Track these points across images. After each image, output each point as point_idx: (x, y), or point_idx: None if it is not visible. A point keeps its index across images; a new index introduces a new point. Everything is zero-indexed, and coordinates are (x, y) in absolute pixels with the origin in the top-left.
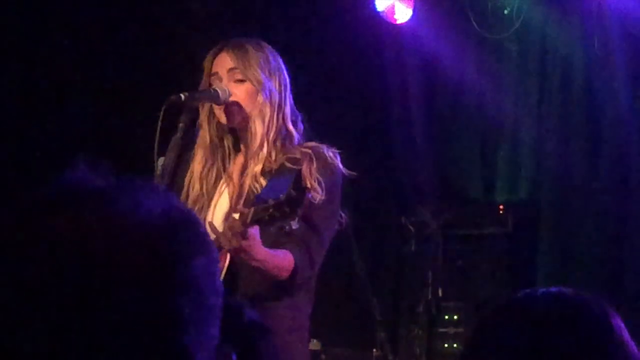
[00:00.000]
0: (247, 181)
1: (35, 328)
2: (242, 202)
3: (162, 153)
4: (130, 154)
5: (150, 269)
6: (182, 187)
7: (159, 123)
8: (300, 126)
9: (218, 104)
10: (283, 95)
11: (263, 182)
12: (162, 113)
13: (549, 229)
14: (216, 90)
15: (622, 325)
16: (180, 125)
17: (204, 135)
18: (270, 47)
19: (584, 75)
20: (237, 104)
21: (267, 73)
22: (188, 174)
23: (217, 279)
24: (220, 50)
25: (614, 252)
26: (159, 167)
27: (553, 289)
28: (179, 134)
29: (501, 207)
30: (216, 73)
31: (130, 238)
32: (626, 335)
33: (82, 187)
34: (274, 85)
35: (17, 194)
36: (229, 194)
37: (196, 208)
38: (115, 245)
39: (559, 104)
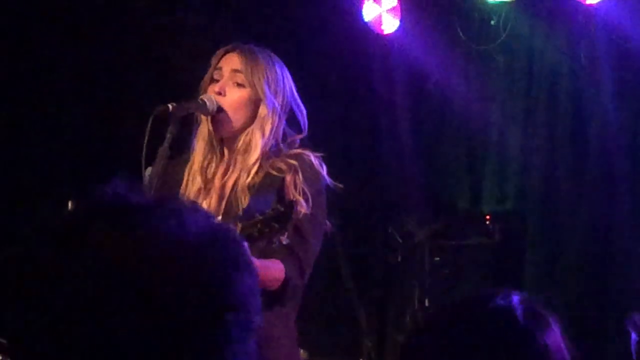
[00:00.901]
0: (228, 191)
1: (77, 342)
2: (221, 210)
3: (150, 163)
4: (118, 163)
5: (201, 289)
6: (178, 184)
7: (147, 133)
8: (297, 142)
9: (205, 115)
10: (285, 111)
11: (247, 195)
12: (149, 123)
13: (536, 240)
14: (204, 101)
15: (556, 342)
16: (168, 135)
17: (203, 128)
18: (280, 61)
19: (571, 85)
20: (225, 114)
21: (272, 88)
22: (188, 166)
23: (259, 297)
24: (232, 50)
25: (600, 262)
26: (147, 177)
27: (484, 301)
28: (166, 144)
29: (488, 217)
30: (220, 68)
31: (180, 257)
32: (560, 355)
33: (127, 203)
34: (277, 100)
35: (48, 206)
36: (207, 201)
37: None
38: (165, 263)
39: (545, 115)
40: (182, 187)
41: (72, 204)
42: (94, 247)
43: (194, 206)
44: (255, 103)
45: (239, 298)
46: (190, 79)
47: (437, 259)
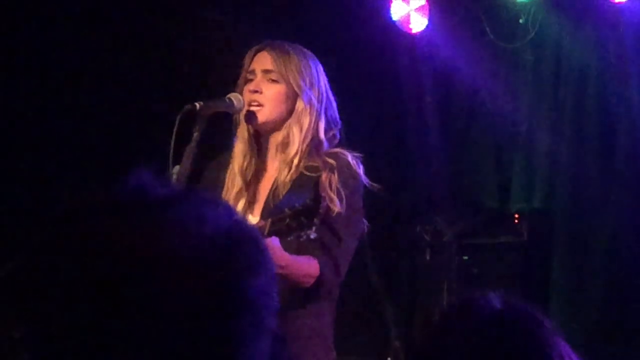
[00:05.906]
0: (268, 189)
1: (82, 332)
2: (261, 208)
3: (177, 161)
4: (145, 162)
5: (212, 287)
6: (219, 187)
7: (174, 132)
8: (337, 136)
9: (233, 113)
10: (323, 105)
11: (284, 191)
12: (177, 122)
13: (564, 238)
14: (231, 99)
15: (556, 341)
16: (195, 134)
17: (242, 129)
18: (313, 55)
19: (599, 84)
20: (253, 114)
21: (307, 82)
22: (229, 169)
23: (274, 297)
24: (262, 49)
25: (629, 262)
26: (174, 176)
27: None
28: (193, 143)
29: (516, 216)
30: (253, 70)
31: (195, 253)
32: (558, 350)
33: (148, 195)
34: (314, 94)
35: (78, 195)
36: (246, 199)
37: (238, 205)
38: (178, 259)
39: (573, 113)
40: (223, 190)
41: (85, 198)
42: (103, 242)
43: (216, 201)
44: (292, 98)
45: (252, 299)
46: (219, 76)
47: (465, 257)
